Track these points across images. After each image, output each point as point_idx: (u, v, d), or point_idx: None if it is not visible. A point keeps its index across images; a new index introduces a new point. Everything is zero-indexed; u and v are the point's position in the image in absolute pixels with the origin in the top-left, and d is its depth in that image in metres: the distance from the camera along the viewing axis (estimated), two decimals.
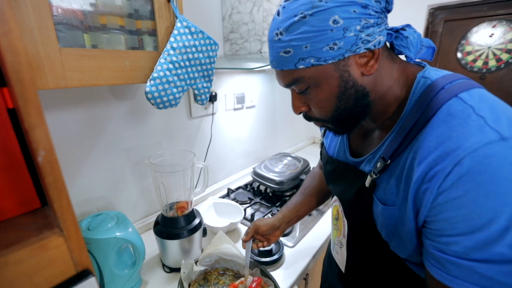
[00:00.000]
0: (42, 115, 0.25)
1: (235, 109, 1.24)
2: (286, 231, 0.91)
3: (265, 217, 1.00)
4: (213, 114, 1.11)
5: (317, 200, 0.78)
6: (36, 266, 0.27)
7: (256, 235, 0.73)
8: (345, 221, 0.56)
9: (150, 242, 0.82)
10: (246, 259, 0.69)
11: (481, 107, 0.34)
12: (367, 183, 0.45)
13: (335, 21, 0.36)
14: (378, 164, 0.43)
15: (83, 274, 0.31)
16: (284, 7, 0.39)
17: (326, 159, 0.60)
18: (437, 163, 0.34)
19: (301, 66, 0.40)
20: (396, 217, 0.41)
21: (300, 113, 0.48)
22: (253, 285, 0.64)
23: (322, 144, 0.66)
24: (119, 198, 0.86)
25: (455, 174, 0.32)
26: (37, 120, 0.25)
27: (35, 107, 0.25)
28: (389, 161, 0.41)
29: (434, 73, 0.41)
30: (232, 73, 1.17)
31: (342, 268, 0.62)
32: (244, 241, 0.73)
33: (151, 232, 0.92)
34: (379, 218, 0.44)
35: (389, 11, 0.41)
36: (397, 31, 0.42)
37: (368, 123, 0.49)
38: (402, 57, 0.45)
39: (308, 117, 0.48)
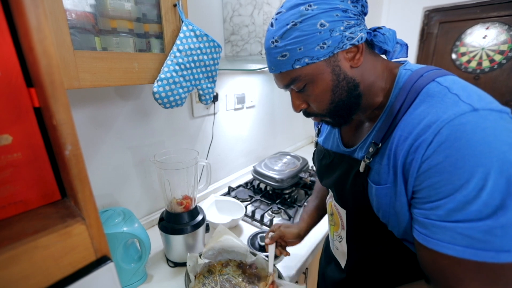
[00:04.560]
0: (70, 113, 0.28)
1: (235, 109, 1.27)
2: None
3: (266, 214, 1.02)
4: (214, 114, 1.14)
5: None
6: (61, 251, 0.30)
7: (279, 240, 0.75)
8: (342, 212, 0.58)
9: (154, 238, 0.85)
10: (270, 262, 0.70)
11: (455, 87, 0.39)
12: (361, 168, 0.48)
13: (321, 25, 0.42)
14: (370, 149, 0.46)
15: (103, 260, 0.34)
16: (276, 19, 0.46)
17: (322, 154, 0.63)
18: (420, 135, 0.38)
19: (298, 66, 0.45)
20: (390, 195, 0.44)
21: (300, 111, 0.52)
22: None
23: (316, 144, 0.69)
24: (124, 196, 0.88)
25: (436, 142, 0.36)
26: (65, 117, 0.28)
27: (64, 106, 0.27)
28: (380, 145, 0.45)
29: (414, 66, 0.47)
30: (233, 74, 1.20)
31: (343, 264, 0.64)
32: (267, 244, 0.75)
33: (155, 228, 0.95)
34: (374, 200, 0.47)
35: (365, 14, 0.47)
36: (374, 30, 0.48)
37: (358, 116, 0.53)
38: (383, 57, 0.51)
39: (307, 114, 0.53)
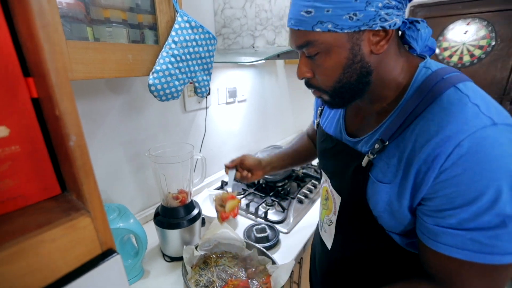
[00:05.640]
0: (74, 102, 0.27)
1: (227, 103, 1.26)
2: (279, 218, 0.95)
3: (260, 206, 1.03)
4: (206, 108, 1.13)
5: (303, 157, 0.85)
6: (67, 245, 0.29)
7: (241, 165, 0.79)
8: (337, 198, 0.59)
9: (149, 234, 0.84)
10: (229, 183, 0.76)
11: (475, 97, 0.38)
12: (363, 163, 0.48)
13: None
14: (376, 146, 0.45)
15: (108, 253, 0.33)
16: None
17: (324, 137, 0.62)
18: (440, 145, 0.37)
19: (318, 29, 0.41)
20: (390, 194, 0.45)
21: (303, 79, 0.49)
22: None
23: (317, 125, 0.68)
24: (117, 192, 0.87)
25: (456, 154, 0.36)
26: (69, 107, 0.27)
27: (68, 95, 0.26)
28: (387, 143, 0.44)
29: (434, 64, 0.45)
30: (224, 67, 1.19)
31: (329, 245, 0.65)
32: (227, 167, 0.79)
33: (149, 224, 0.94)
34: (374, 195, 0.47)
35: (410, 0, 0.43)
36: (411, 22, 0.44)
37: (366, 105, 0.51)
38: (406, 49, 0.49)
39: (309, 84, 0.50)
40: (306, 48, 0.44)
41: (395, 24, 0.41)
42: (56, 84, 0.25)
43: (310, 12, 0.40)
